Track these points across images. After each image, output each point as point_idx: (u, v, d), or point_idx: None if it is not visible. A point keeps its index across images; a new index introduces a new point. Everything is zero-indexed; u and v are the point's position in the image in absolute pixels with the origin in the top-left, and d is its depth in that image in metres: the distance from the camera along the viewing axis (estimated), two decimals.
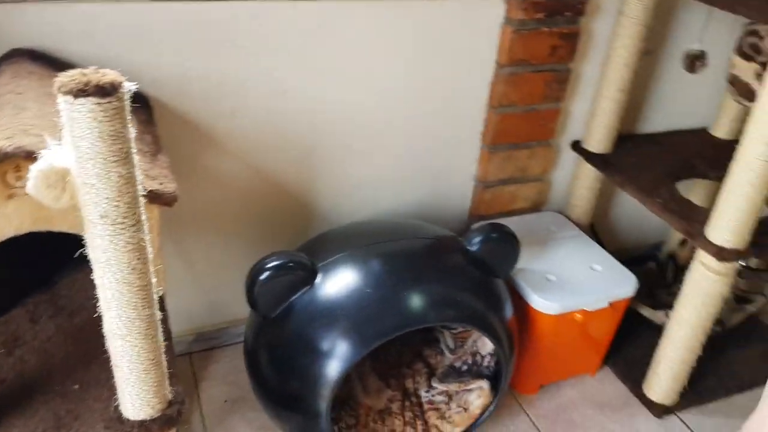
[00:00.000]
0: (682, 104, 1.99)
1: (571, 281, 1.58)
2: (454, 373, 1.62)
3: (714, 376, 1.80)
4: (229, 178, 1.54)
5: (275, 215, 1.65)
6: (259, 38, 1.39)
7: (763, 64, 1.52)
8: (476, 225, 1.46)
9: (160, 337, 0.84)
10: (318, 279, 1.31)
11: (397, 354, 1.71)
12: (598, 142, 1.80)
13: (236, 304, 1.72)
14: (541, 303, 1.52)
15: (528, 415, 1.68)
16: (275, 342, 1.34)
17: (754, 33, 1.57)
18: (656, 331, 1.70)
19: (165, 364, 0.87)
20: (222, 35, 1.36)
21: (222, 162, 1.51)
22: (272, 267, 1.28)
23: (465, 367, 1.60)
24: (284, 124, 1.52)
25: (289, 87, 1.48)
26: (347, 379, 1.58)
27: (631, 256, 2.18)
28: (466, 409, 1.54)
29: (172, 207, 0.97)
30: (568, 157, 1.90)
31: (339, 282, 1.31)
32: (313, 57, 1.46)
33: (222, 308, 1.75)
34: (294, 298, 1.31)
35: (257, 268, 1.29)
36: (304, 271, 1.31)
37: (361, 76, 1.54)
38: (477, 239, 1.40)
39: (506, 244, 1.43)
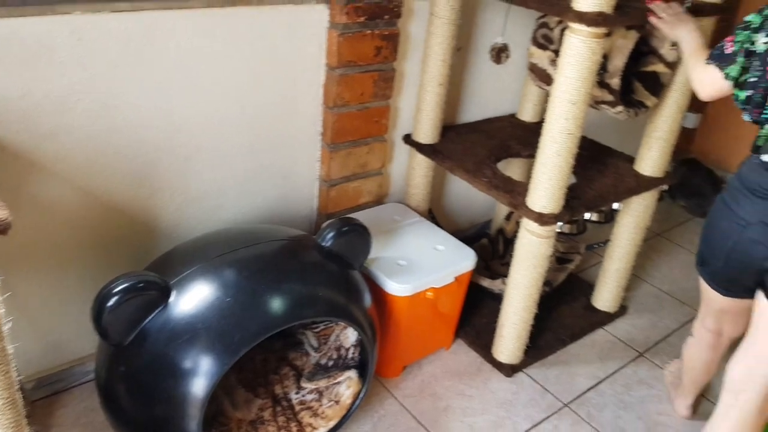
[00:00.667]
0: (493, 93, 2.21)
1: (420, 263, 1.69)
2: (321, 371, 1.65)
3: (550, 331, 2.02)
4: (59, 203, 1.43)
5: (116, 238, 1.56)
6: (79, 53, 1.31)
7: (555, 52, 1.74)
8: (328, 222, 1.51)
9: (13, 373, 0.78)
10: (172, 297, 1.27)
11: (263, 362, 1.70)
12: (426, 133, 1.94)
13: (80, 340, 1.59)
14: (396, 287, 1.60)
15: (395, 397, 1.76)
16: (132, 370, 1.27)
17: (544, 25, 1.80)
18: (497, 300, 1.88)
19: (21, 403, 0.81)
20: (38, 51, 1.26)
21: (49, 187, 1.40)
22: (120, 291, 1.21)
23: (331, 363, 1.64)
24: (114, 141, 1.45)
25: (116, 102, 1.41)
26: (214, 395, 1.54)
27: (465, 235, 2.37)
28: (337, 402, 1.58)
29: (6, 235, 0.89)
30: (402, 150, 2.02)
31: (196, 296, 1.28)
32: (139, 69, 1.41)
33: (64, 348, 1.61)
34: (148, 320, 1.25)
35: (103, 295, 1.21)
36: (156, 290, 1.26)
37: (193, 87, 1.51)
38: (330, 235, 1.45)
39: (358, 237, 1.50)
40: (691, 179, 2.99)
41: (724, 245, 1.40)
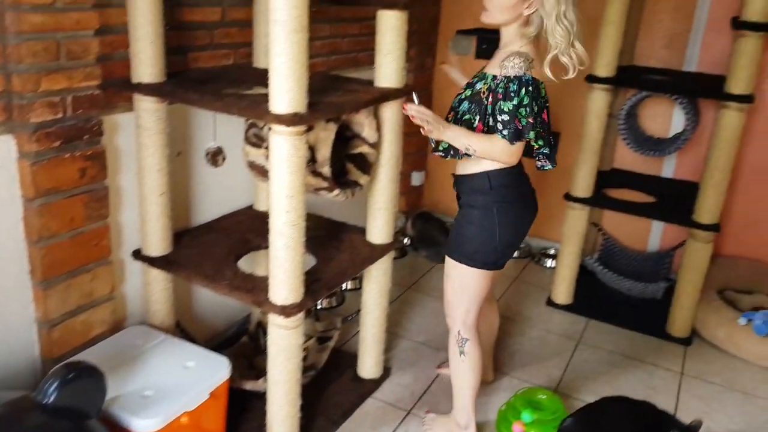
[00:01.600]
0: (226, 189, 2.21)
1: (168, 388, 1.58)
2: None
3: (322, 415, 2.03)
4: None
5: None
6: None
7: (267, 148, 1.81)
8: (49, 373, 1.34)
9: None
10: None
11: None
12: (156, 245, 1.86)
13: None
14: (143, 423, 1.48)
15: None
16: None
17: (254, 125, 1.86)
18: (264, 399, 1.83)
19: None
20: None
21: None
22: None
23: None
24: None
25: None
26: None
27: (225, 337, 2.30)
28: None
29: None
30: (134, 266, 1.91)
31: None
32: None
33: None
34: None
35: None
36: None
37: None
38: (52, 388, 1.29)
39: (88, 381, 1.35)
40: (428, 231, 3.30)
41: (529, 225, 1.89)
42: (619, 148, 3.09)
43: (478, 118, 1.73)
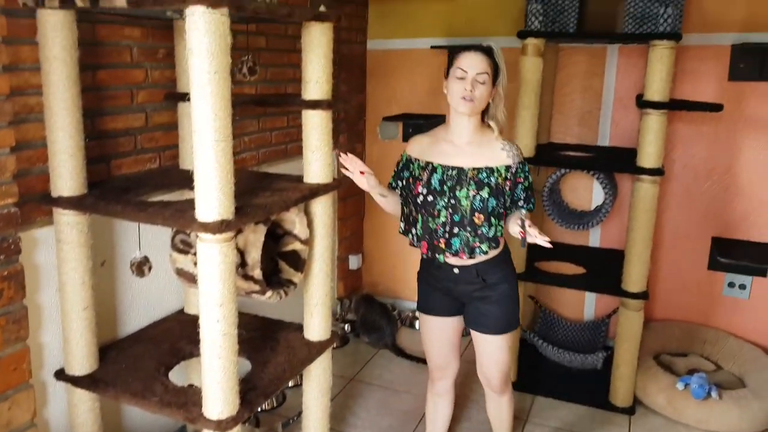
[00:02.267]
0: (153, 296, 2.14)
1: None
2: None
3: None
4: None
5: None
6: None
7: (195, 254, 1.78)
8: None
9: None
10: None
11: None
12: (81, 363, 1.77)
13: None
14: None
15: None
16: None
17: (181, 231, 1.83)
18: None
19: None
20: None
21: None
22: None
23: None
24: None
25: None
26: None
27: None
28: None
29: None
30: (58, 387, 1.80)
31: None
32: None
33: None
34: None
35: None
36: None
37: None
38: None
39: None
40: (370, 316, 3.27)
41: None
42: (546, 221, 3.20)
43: (501, 205, 1.92)
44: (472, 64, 1.89)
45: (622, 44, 2.94)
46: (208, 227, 1.50)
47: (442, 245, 1.92)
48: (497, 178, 1.91)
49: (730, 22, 2.79)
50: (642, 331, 2.66)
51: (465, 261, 1.94)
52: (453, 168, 1.92)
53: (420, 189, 1.94)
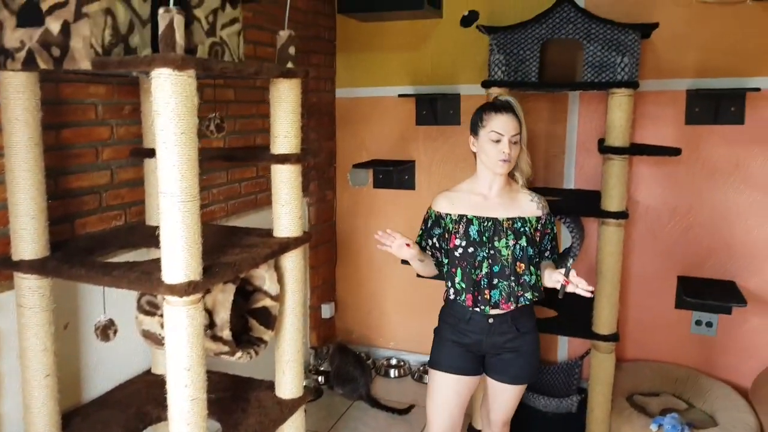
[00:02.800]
0: (119, 358, 2.08)
1: None
2: None
3: None
4: None
5: None
6: None
7: (162, 315, 1.74)
8: None
9: None
10: None
11: None
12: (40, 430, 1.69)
13: None
14: None
15: None
16: None
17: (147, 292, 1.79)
18: None
19: None
20: None
21: None
22: None
23: None
24: None
25: None
26: None
27: None
28: None
29: None
30: None
31: None
32: None
33: None
34: None
35: None
36: None
37: None
38: None
39: None
40: (344, 366, 3.22)
41: None
42: None
43: (536, 254, 2.00)
44: (506, 127, 1.95)
45: (583, 91, 3.03)
46: (174, 290, 1.47)
47: (487, 296, 1.95)
48: (530, 228, 1.99)
49: (684, 69, 2.90)
50: (614, 373, 2.67)
51: (500, 311, 1.97)
52: (488, 219, 1.97)
53: (457, 241, 1.97)
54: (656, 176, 3.01)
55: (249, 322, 1.92)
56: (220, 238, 1.95)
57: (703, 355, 3.03)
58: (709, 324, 2.98)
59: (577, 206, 2.86)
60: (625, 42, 2.53)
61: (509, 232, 1.95)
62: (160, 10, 1.38)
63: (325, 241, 3.49)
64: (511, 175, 2.04)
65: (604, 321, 2.61)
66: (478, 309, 1.96)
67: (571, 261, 1.93)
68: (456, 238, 1.97)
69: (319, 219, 3.41)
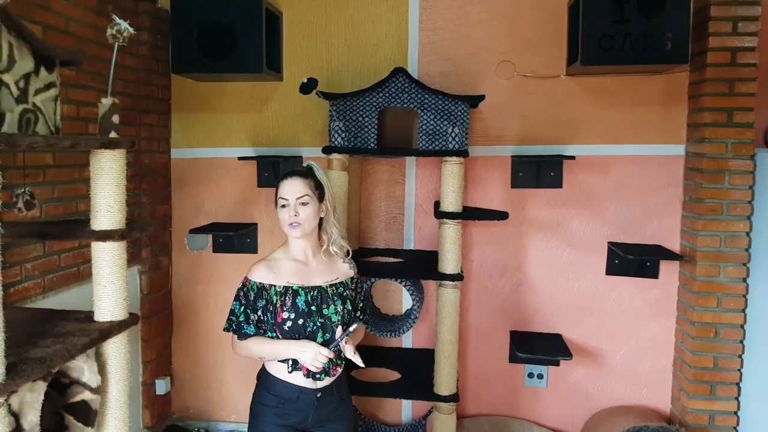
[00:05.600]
0: None
1: None
2: None
3: None
4: None
5: None
6: None
7: None
8: None
9: None
10: None
11: None
12: None
13: None
14: None
15: None
16: None
17: None
18: None
19: None
20: None
21: None
22: None
23: None
24: None
25: None
26: None
27: None
28: None
29: None
30: None
31: None
32: None
33: None
34: None
35: None
36: None
37: None
38: None
39: None
40: None
41: None
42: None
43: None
44: (290, 191, 1.96)
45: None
46: None
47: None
48: (348, 291, 2.04)
49: (509, 137, 3.13)
50: (456, 431, 2.74)
51: (331, 378, 1.97)
52: (313, 288, 1.96)
53: (284, 314, 1.92)
54: (487, 237, 3.19)
55: (65, 418, 1.70)
56: (30, 326, 1.74)
57: (536, 406, 3.20)
58: (540, 376, 3.17)
59: (417, 268, 2.94)
60: (456, 112, 2.69)
61: (335, 298, 1.98)
62: None
63: (159, 311, 3.25)
64: (320, 238, 2.06)
65: (444, 382, 2.68)
66: (309, 381, 1.94)
67: (354, 326, 1.95)
68: (283, 311, 1.92)
69: (152, 287, 3.18)
